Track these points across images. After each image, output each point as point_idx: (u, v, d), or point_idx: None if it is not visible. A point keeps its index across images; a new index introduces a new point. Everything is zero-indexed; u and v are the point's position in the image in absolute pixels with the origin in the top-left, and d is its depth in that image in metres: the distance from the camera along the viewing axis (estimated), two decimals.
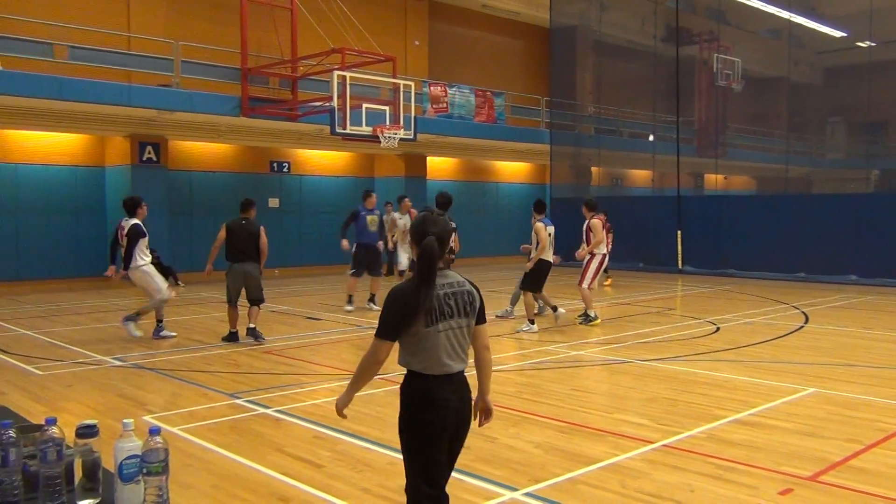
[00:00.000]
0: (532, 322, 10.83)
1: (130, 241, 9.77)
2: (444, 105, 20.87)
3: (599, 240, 11.35)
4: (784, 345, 9.73)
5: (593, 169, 24.65)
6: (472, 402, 3.32)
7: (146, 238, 9.99)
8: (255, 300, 9.83)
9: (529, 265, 11.01)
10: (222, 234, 9.85)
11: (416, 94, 17.01)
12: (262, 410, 6.54)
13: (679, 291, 16.73)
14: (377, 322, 3.16)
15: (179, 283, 17.49)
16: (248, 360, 8.85)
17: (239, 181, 19.63)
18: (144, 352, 9.36)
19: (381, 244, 13.42)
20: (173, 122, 17.30)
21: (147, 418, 6.19)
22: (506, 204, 25.64)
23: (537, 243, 10.86)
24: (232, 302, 9.88)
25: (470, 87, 22.02)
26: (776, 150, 24.47)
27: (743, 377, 7.74)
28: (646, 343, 9.84)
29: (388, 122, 15.70)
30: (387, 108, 15.97)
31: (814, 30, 23.96)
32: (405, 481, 3.25)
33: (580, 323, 11.35)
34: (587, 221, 11.67)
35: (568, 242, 16.83)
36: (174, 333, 10.43)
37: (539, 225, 10.89)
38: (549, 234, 10.94)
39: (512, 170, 26.43)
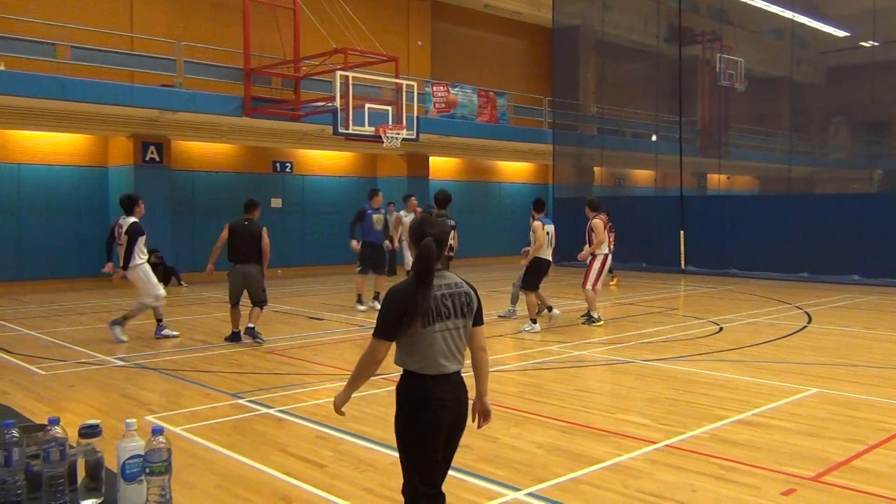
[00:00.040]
0: (534, 321, 10.82)
1: (131, 239, 9.77)
2: (448, 107, 20.97)
3: (601, 240, 11.32)
4: (787, 345, 9.72)
5: (596, 169, 24.63)
6: (469, 403, 3.33)
7: (145, 236, 10.00)
8: (257, 301, 9.82)
9: (524, 262, 11.04)
10: (224, 234, 9.86)
11: (418, 93, 17.02)
12: (264, 410, 6.54)
13: (682, 291, 16.72)
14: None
15: (182, 283, 17.54)
16: (251, 360, 8.86)
17: (241, 181, 19.65)
18: (147, 352, 9.37)
19: (387, 243, 13.44)
20: (176, 123, 17.33)
21: (150, 418, 6.20)
22: (508, 204, 25.64)
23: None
24: (233, 302, 9.88)
25: (472, 87, 22.03)
26: (779, 150, 24.45)
27: (745, 377, 7.73)
28: (648, 343, 9.83)
29: (390, 122, 15.71)
30: (389, 108, 15.98)
31: (817, 29, 23.92)
32: (403, 482, 3.26)
33: (583, 323, 11.34)
34: (590, 222, 11.65)
35: (570, 243, 16.84)
36: (177, 333, 10.43)
37: (536, 224, 10.89)
38: (548, 233, 10.93)
39: (514, 170, 26.43)
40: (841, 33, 24.39)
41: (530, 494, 4.53)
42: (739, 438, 5.61)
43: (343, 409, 3.37)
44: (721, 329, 10.89)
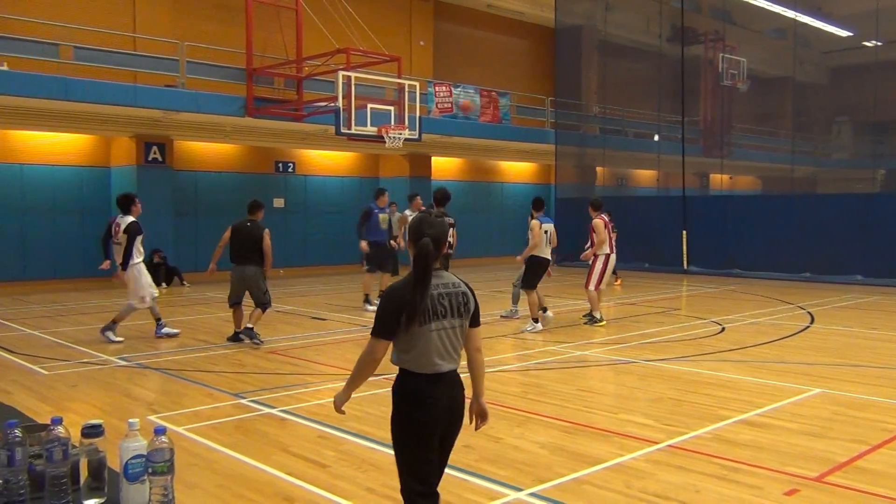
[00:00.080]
0: (536, 321, 10.81)
1: (130, 238, 9.78)
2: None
3: (601, 240, 11.30)
4: (789, 345, 9.70)
5: (598, 169, 24.62)
6: (466, 402, 3.34)
7: (142, 235, 10.01)
8: (258, 303, 9.78)
9: (519, 259, 11.07)
10: (227, 235, 9.86)
11: (420, 93, 17.02)
12: (266, 410, 6.55)
13: (684, 291, 16.71)
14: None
15: (184, 283, 17.56)
16: (253, 360, 8.86)
17: (244, 181, 19.67)
18: (149, 352, 9.38)
19: (393, 243, 13.45)
20: (178, 123, 17.35)
21: (152, 418, 6.21)
22: (511, 204, 25.63)
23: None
24: (231, 302, 9.87)
25: (475, 87, 22.02)
26: (782, 149, 24.41)
27: (748, 377, 7.72)
28: (651, 343, 9.82)
29: (392, 123, 15.71)
30: (392, 108, 15.98)
31: (820, 29, 23.90)
32: (399, 483, 3.28)
33: (585, 324, 11.33)
34: (592, 221, 11.64)
35: (573, 243, 16.83)
36: (177, 330, 10.45)
37: (534, 222, 10.89)
38: (547, 232, 10.93)
39: (517, 170, 26.43)
40: (844, 33, 24.37)
41: (532, 495, 4.53)
42: (742, 439, 5.61)
43: (343, 409, 3.38)
44: (723, 329, 10.88)
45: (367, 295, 13.17)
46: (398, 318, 3.10)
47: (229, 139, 19.03)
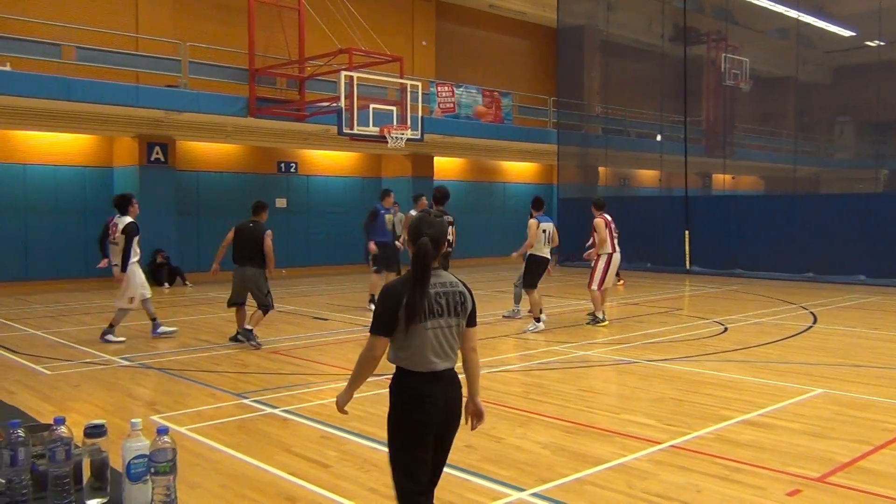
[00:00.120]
0: (538, 320, 10.81)
1: (128, 239, 9.79)
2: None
3: (602, 239, 11.28)
4: (792, 345, 9.69)
5: (601, 169, 24.61)
6: (463, 401, 3.35)
7: (139, 236, 10.03)
8: (259, 305, 9.75)
9: (515, 255, 11.08)
10: (229, 235, 9.86)
11: (423, 94, 17.02)
12: (269, 410, 6.55)
13: (687, 291, 16.70)
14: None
15: (187, 283, 17.58)
16: (256, 360, 8.87)
17: (246, 181, 19.69)
18: (152, 352, 9.39)
19: (398, 243, 13.46)
20: (181, 123, 17.36)
21: (155, 418, 6.21)
22: (513, 204, 25.61)
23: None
24: (231, 302, 9.86)
25: (477, 87, 22.02)
26: (784, 149, 24.40)
27: (750, 378, 7.72)
28: (653, 343, 9.81)
29: (395, 123, 15.71)
30: (394, 108, 15.98)
31: (822, 29, 23.88)
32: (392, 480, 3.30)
33: (588, 324, 11.33)
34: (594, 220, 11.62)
35: (575, 243, 16.83)
36: (174, 328, 10.47)
37: (532, 221, 10.91)
38: (545, 231, 10.93)
39: (519, 170, 26.42)
40: (846, 33, 24.35)
41: (535, 495, 4.53)
42: (744, 439, 5.60)
43: (346, 409, 3.40)
44: (726, 329, 10.88)
45: (372, 295, 13.16)
46: (396, 315, 3.12)
47: (231, 139, 19.05)
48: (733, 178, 24.49)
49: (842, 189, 23.65)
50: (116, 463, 2.32)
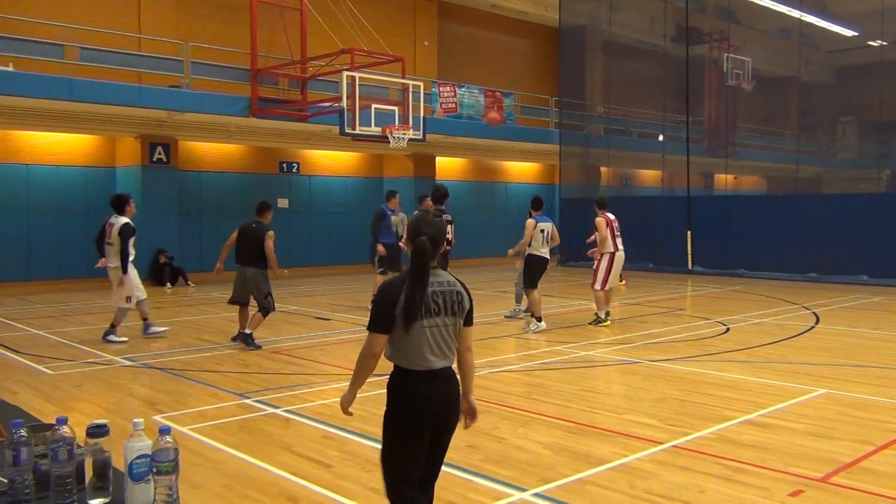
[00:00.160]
0: (540, 319, 10.80)
1: (124, 241, 9.79)
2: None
3: (602, 237, 11.27)
4: (794, 345, 9.69)
5: (603, 169, 24.60)
6: (460, 399, 3.36)
7: (135, 237, 10.03)
8: (259, 307, 9.72)
9: (511, 252, 11.12)
10: (234, 235, 9.87)
11: (424, 94, 17.03)
12: (271, 410, 6.55)
13: (689, 292, 16.69)
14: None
15: (189, 283, 17.59)
16: (258, 360, 8.88)
17: (248, 182, 19.70)
18: (154, 352, 9.40)
19: (402, 244, 13.45)
20: (183, 123, 17.38)
21: (157, 418, 6.22)
22: (515, 204, 25.58)
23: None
24: (231, 300, 9.86)
25: (479, 87, 22.02)
26: (787, 149, 24.37)
27: (752, 378, 7.71)
28: (655, 343, 9.81)
29: (397, 123, 15.72)
30: (396, 108, 15.99)
31: (825, 29, 23.85)
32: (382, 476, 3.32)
33: (590, 324, 11.31)
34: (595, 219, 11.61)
35: (577, 243, 16.81)
36: (165, 328, 10.49)
37: (529, 221, 10.95)
38: (543, 231, 10.93)
39: (521, 170, 26.42)
40: (849, 33, 24.32)
41: (536, 495, 4.53)
42: (747, 439, 5.60)
43: (351, 410, 3.41)
44: (728, 329, 10.87)
45: None
46: (393, 312, 3.14)
47: (233, 139, 19.07)
48: (735, 178, 24.48)
49: (844, 189, 23.61)
50: (119, 463, 2.33)
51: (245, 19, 17.37)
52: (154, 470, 2.25)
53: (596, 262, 11.42)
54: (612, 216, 11.48)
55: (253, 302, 9.78)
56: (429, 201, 14.59)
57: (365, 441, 5.57)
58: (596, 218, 11.42)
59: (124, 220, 9.95)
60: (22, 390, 7.30)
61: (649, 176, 26.53)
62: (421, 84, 16.55)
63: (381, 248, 12.85)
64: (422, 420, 3.19)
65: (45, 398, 6.98)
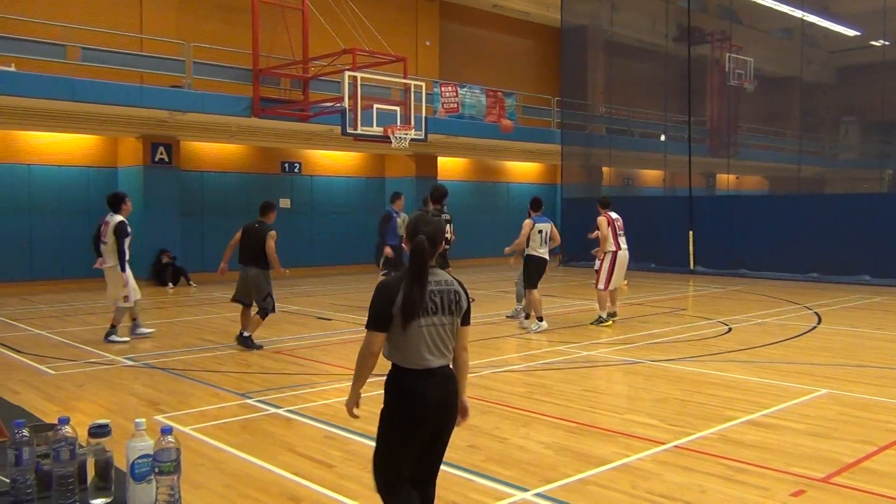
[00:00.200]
0: (541, 319, 10.79)
1: (119, 240, 9.79)
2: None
3: (603, 236, 11.26)
4: (796, 345, 9.68)
5: (604, 169, 24.59)
6: (458, 397, 3.37)
7: (130, 237, 10.02)
8: (258, 308, 9.67)
9: (507, 251, 11.18)
10: (237, 235, 9.87)
11: (426, 94, 17.02)
12: (273, 410, 6.56)
13: (691, 292, 16.67)
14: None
15: (191, 283, 17.60)
16: (260, 360, 8.88)
17: (250, 182, 19.71)
18: (156, 352, 9.40)
19: (404, 245, 13.44)
20: (185, 123, 17.39)
21: (159, 418, 6.22)
22: (516, 204, 25.54)
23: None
24: (234, 299, 9.86)
25: (481, 87, 22.02)
26: (789, 149, 24.36)
27: (754, 378, 7.71)
28: (657, 343, 9.80)
29: (398, 123, 15.72)
30: (398, 108, 16.00)
31: (827, 29, 23.84)
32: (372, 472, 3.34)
33: (591, 324, 11.31)
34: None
35: (579, 243, 16.81)
36: (152, 330, 10.52)
37: (526, 221, 10.96)
38: (542, 232, 10.93)
39: (523, 170, 26.42)
40: (851, 32, 24.30)
41: (538, 495, 4.53)
42: (748, 439, 5.59)
43: (355, 412, 3.41)
44: (730, 329, 10.86)
45: None
46: (390, 311, 3.15)
47: (235, 140, 19.07)
48: (737, 178, 24.47)
49: (846, 189, 23.60)
50: (120, 462, 2.33)
51: (247, 19, 17.38)
52: (156, 470, 2.25)
53: (598, 262, 11.41)
54: (615, 215, 11.46)
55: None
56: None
57: (367, 441, 5.56)
58: (598, 218, 11.42)
59: (119, 218, 9.94)
60: (24, 390, 7.31)
61: (651, 176, 26.53)
62: (423, 84, 16.55)
63: (388, 249, 12.84)
64: (419, 418, 3.20)
65: (47, 398, 6.99)
